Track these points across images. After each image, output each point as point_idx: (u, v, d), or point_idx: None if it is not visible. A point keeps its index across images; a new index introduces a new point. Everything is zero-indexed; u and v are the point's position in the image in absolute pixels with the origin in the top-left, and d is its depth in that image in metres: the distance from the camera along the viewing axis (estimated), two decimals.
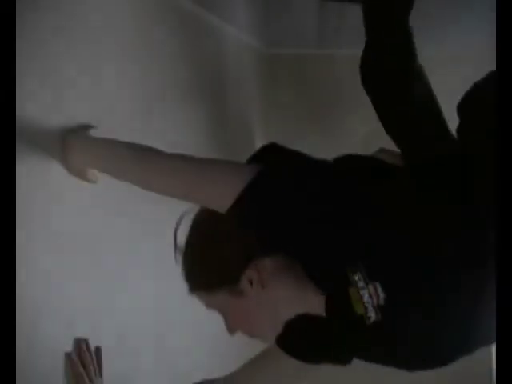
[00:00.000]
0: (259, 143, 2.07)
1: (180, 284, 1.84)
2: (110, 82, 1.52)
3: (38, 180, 1.25)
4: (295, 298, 1.17)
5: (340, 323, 1.15)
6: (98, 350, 1.38)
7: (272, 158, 1.15)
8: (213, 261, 1.16)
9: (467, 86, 1.19)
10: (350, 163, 1.15)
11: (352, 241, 1.05)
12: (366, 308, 1.07)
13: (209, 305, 1.23)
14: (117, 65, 1.56)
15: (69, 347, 1.32)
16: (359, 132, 2.41)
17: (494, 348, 2.47)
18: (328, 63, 2.47)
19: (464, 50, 2.41)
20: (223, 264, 1.15)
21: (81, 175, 1.36)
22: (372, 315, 1.07)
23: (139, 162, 1.22)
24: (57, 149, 1.31)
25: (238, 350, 1.69)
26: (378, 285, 1.05)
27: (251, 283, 1.14)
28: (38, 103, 1.26)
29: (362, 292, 1.06)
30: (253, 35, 2.38)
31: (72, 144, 1.32)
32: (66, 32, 1.36)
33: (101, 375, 1.37)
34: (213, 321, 1.98)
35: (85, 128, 1.37)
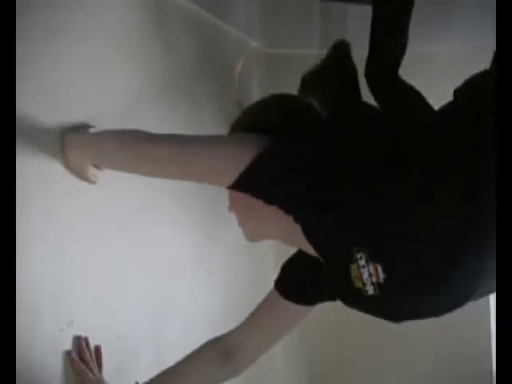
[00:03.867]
0: None
1: (180, 284, 1.84)
2: (110, 81, 1.52)
3: (38, 180, 1.25)
4: (288, 233, 1.18)
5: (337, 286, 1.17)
6: (97, 349, 1.39)
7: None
8: None
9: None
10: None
11: (357, 221, 1.05)
12: (364, 284, 1.08)
13: None
14: (116, 65, 1.56)
15: (69, 347, 1.32)
16: None
17: (493, 347, 2.47)
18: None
19: (464, 49, 2.41)
20: None
21: (81, 175, 1.36)
22: (370, 290, 1.08)
23: (139, 150, 1.20)
24: (57, 148, 1.31)
25: None
26: (379, 266, 1.05)
27: None
28: (37, 103, 1.26)
29: (362, 270, 1.07)
30: (253, 35, 2.38)
31: (72, 143, 1.32)
32: (66, 32, 1.36)
33: (101, 374, 1.38)
34: (213, 320, 1.98)
35: (84, 127, 1.37)
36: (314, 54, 2.52)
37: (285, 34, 2.37)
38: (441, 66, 2.46)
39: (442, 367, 2.55)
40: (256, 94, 2.43)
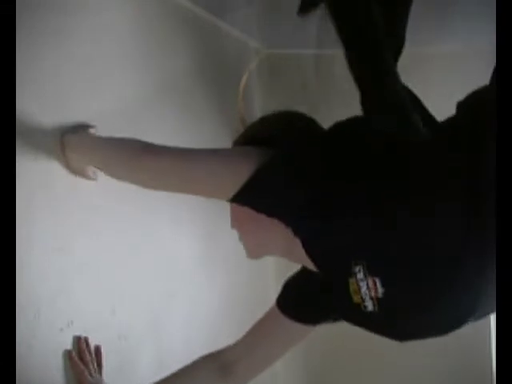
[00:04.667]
0: None
1: (180, 284, 1.84)
2: (110, 81, 1.52)
3: (38, 180, 1.25)
4: (288, 248, 1.17)
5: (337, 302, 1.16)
6: (97, 349, 1.39)
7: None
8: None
9: (466, 84, 1.19)
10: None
11: (356, 234, 1.05)
12: (363, 299, 1.08)
13: None
14: (116, 66, 1.56)
15: (69, 347, 1.32)
16: None
17: (493, 348, 2.47)
18: (328, 63, 2.47)
19: (464, 49, 2.41)
20: None
21: (81, 173, 1.37)
22: (369, 306, 1.08)
23: (136, 164, 1.19)
24: (56, 148, 1.31)
25: None
26: (377, 280, 1.05)
27: None
28: (37, 104, 1.26)
29: (360, 284, 1.07)
30: (253, 36, 2.38)
31: (71, 143, 1.32)
32: (66, 33, 1.36)
33: (101, 374, 1.38)
34: (212, 321, 1.98)
35: (84, 127, 1.37)
36: (313, 54, 2.53)
37: (285, 34, 2.36)
38: (440, 65, 2.46)
39: (442, 368, 2.55)
40: (256, 95, 2.44)
